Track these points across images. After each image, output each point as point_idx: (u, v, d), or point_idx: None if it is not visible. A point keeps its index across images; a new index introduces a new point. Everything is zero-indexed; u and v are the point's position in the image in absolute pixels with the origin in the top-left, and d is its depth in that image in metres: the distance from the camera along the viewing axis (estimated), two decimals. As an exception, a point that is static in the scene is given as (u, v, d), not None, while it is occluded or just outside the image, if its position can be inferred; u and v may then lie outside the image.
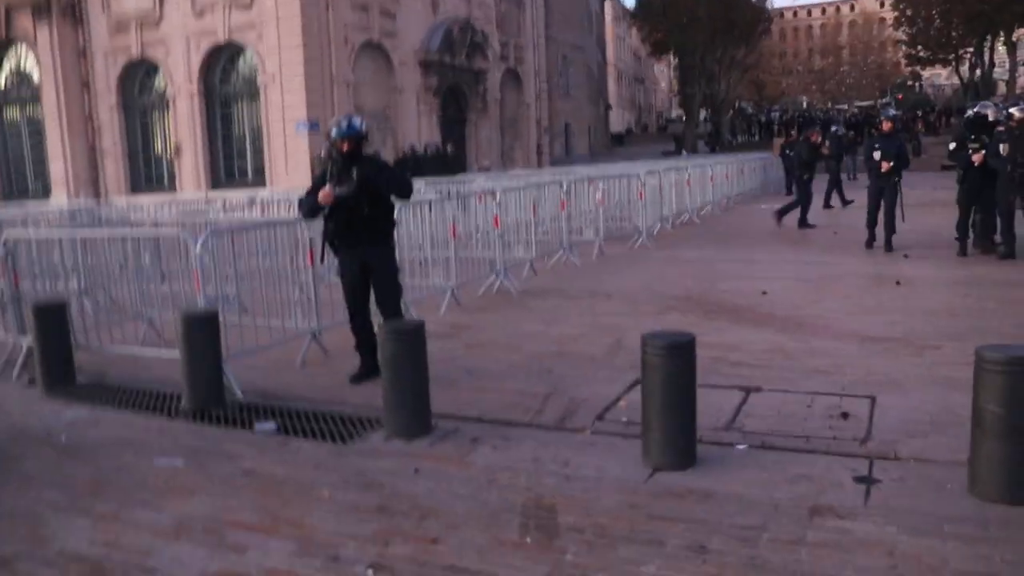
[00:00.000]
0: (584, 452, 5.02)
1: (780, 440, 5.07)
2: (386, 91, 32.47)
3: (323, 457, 5.14)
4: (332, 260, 7.10)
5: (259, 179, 29.33)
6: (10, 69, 34.22)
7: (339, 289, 7.04)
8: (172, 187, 30.92)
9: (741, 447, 4.99)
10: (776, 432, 5.21)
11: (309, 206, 6.68)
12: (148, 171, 32.70)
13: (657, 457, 4.70)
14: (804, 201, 16.76)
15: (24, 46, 33.16)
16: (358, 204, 6.50)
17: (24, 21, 32.14)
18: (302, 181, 24.83)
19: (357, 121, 6.70)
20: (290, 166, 28.30)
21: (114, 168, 32.53)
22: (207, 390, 6.21)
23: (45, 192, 32.73)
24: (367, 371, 6.74)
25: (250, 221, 10.27)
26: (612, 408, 5.85)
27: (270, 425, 5.75)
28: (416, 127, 33.67)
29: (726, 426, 5.37)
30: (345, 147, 6.53)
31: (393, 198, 6.82)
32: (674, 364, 4.67)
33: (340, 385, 6.73)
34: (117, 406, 6.50)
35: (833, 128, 23.52)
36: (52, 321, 7.07)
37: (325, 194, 6.46)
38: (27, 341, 7.53)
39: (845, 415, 5.44)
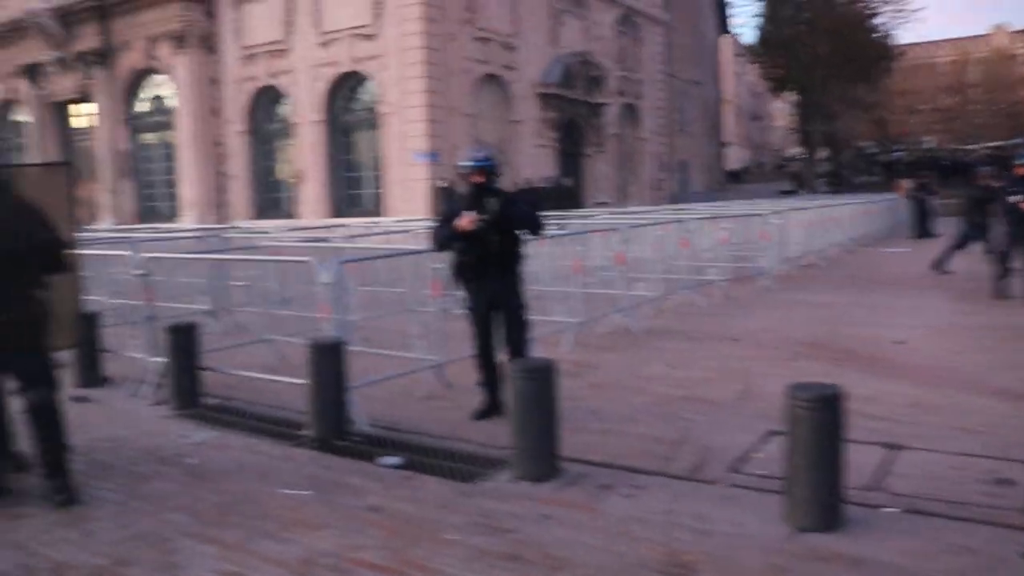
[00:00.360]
0: (720, 506, 4.77)
1: (931, 505, 4.71)
2: (504, 123, 32.67)
3: (448, 496, 5.03)
4: (457, 292, 7.04)
5: (376, 208, 29.80)
6: (149, 96, 35.89)
7: (461, 322, 6.97)
8: (294, 213, 31.70)
9: (891, 510, 4.66)
10: (925, 495, 4.84)
11: (445, 236, 6.55)
12: (271, 197, 33.63)
13: (800, 516, 4.42)
14: (954, 245, 15.91)
15: (162, 75, 34.69)
16: (488, 237, 6.42)
17: (164, 51, 33.70)
18: (419, 212, 25.14)
19: (490, 153, 6.66)
20: (407, 196, 28.66)
21: (240, 192, 33.57)
22: (332, 419, 6.19)
23: (174, 214, 34.02)
24: (490, 408, 6.63)
25: (377, 250, 10.33)
26: (746, 460, 5.58)
27: (394, 459, 5.67)
28: (533, 160, 33.74)
29: (871, 486, 5.04)
30: (477, 179, 6.49)
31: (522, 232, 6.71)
32: (822, 418, 4.40)
33: (462, 420, 6.62)
34: (243, 430, 6.55)
35: (980, 170, 22.65)
36: (184, 341, 7.22)
37: (470, 220, 6.30)
38: (157, 360, 7.70)
39: (1005, 481, 5.04)
